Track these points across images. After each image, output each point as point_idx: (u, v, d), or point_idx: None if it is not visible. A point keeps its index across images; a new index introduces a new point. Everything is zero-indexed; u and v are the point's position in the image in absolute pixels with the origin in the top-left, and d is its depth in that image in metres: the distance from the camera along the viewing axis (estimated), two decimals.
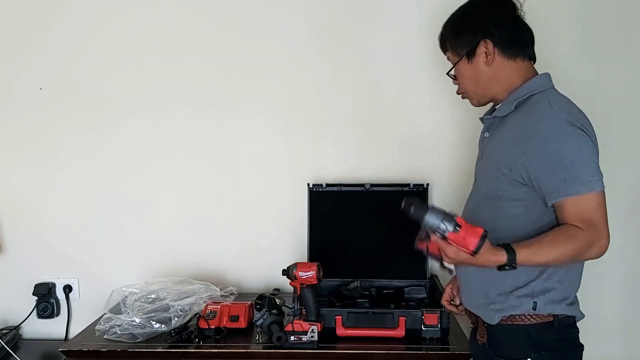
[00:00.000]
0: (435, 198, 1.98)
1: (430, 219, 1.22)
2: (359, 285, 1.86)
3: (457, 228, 1.21)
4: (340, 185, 1.95)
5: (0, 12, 2.04)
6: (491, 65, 1.40)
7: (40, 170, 2.10)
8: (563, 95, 1.37)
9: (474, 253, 1.22)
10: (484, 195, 1.42)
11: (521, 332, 1.34)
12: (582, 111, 1.34)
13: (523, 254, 1.24)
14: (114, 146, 2.08)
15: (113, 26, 2.04)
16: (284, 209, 2.07)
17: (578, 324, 1.39)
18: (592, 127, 1.32)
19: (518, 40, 1.41)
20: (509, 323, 1.35)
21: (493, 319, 1.36)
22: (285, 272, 1.64)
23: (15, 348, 1.96)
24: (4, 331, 2.02)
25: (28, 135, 2.09)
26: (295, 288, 1.64)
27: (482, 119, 1.51)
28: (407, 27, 1.97)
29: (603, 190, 1.26)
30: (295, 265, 1.63)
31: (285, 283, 1.71)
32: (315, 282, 1.62)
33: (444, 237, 1.23)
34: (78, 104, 2.07)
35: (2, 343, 1.92)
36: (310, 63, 2.02)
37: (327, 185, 1.95)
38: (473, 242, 1.21)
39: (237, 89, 2.04)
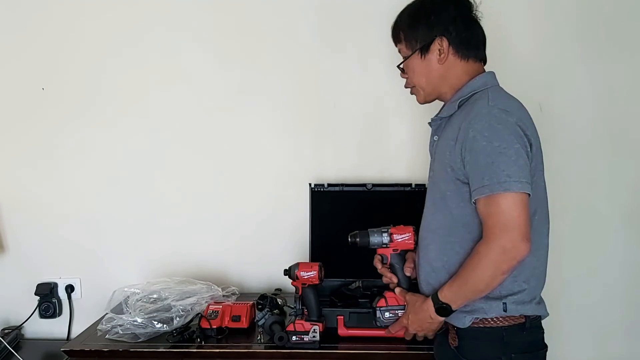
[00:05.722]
0: None
1: (375, 239, 1.49)
2: (360, 285, 1.85)
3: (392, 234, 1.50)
4: (342, 185, 1.94)
5: (2, 11, 2.04)
6: (443, 63, 1.39)
7: (42, 169, 2.10)
8: (505, 92, 1.36)
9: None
10: (436, 199, 1.40)
11: (493, 335, 1.32)
12: (523, 108, 1.33)
13: (445, 289, 1.32)
14: (117, 146, 2.09)
15: (113, 25, 2.04)
16: (285, 208, 2.07)
17: (544, 324, 1.38)
18: (532, 126, 1.32)
19: (472, 41, 1.41)
20: (481, 326, 1.32)
21: (464, 322, 1.33)
22: (287, 272, 1.64)
23: (17, 348, 1.96)
24: (6, 331, 2.02)
25: (31, 133, 2.09)
26: (297, 288, 1.64)
27: (430, 123, 1.50)
28: None
29: (523, 193, 1.22)
30: (297, 265, 1.63)
31: (287, 283, 1.70)
32: (317, 282, 1.62)
33: (386, 246, 1.48)
34: (81, 103, 2.07)
35: (5, 343, 1.92)
36: (312, 63, 2.02)
37: (329, 185, 1.95)
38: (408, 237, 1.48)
39: (239, 89, 2.04)
